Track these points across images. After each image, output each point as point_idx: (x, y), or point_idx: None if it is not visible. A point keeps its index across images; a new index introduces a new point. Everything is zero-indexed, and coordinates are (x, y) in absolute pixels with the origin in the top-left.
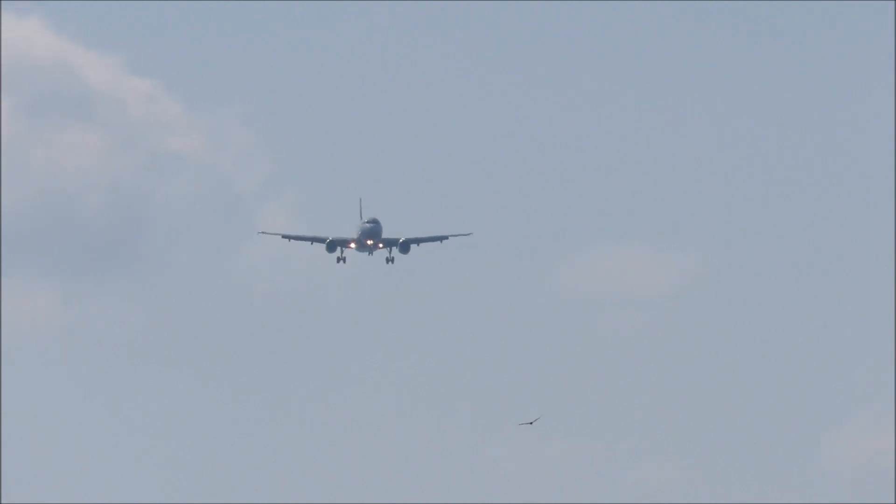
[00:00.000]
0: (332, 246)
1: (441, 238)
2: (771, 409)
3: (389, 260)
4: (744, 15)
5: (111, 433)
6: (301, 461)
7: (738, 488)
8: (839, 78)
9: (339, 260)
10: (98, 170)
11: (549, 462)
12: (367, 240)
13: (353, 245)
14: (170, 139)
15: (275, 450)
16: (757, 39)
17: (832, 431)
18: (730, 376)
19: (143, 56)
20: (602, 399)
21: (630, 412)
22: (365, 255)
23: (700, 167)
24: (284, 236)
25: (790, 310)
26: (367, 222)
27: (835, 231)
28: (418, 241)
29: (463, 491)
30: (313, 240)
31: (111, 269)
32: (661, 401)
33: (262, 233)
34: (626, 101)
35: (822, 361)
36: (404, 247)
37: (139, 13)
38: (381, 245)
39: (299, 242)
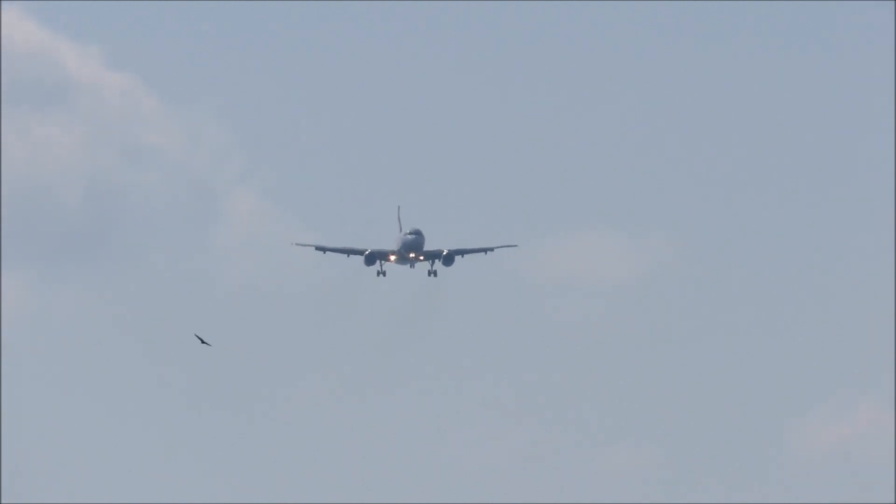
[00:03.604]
0: (371, 258)
1: (486, 249)
2: (738, 399)
3: (432, 273)
4: (742, 14)
5: (108, 435)
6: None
7: (712, 484)
8: (839, 78)
9: (378, 273)
10: (79, 162)
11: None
12: (408, 252)
13: (393, 258)
14: (148, 134)
15: (297, 471)
16: (754, 39)
17: (801, 421)
18: (715, 367)
19: (124, 49)
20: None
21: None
22: (406, 267)
23: (702, 165)
24: (319, 248)
25: (760, 299)
26: (409, 233)
27: (817, 225)
28: (462, 252)
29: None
30: (350, 252)
31: (94, 267)
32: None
33: (297, 244)
34: (630, 100)
35: (793, 350)
36: (448, 259)
37: (120, 6)
38: (422, 258)
39: (336, 255)
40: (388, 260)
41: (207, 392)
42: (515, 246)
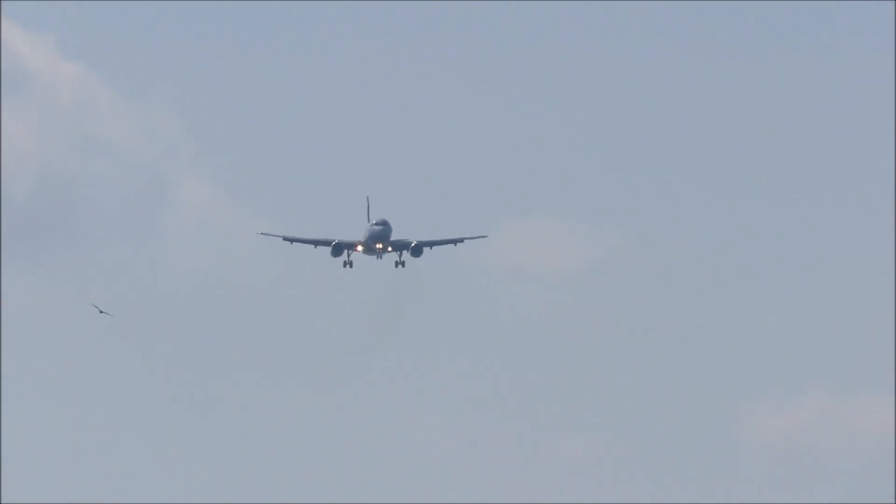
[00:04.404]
0: (337, 249)
1: (456, 241)
2: (689, 390)
3: (400, 264)
4: (742, 14)
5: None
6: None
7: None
8: (839, 78)
9: (345, 264)
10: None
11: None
12: (375, 243)
13: (360, 248)
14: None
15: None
16: (754, 39)
17: (751, 408)
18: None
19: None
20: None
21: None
22: (373, 258)
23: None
24: (286, 238)
25: (715, 287)
26: (376, 224)
27: (810, 224)
28: (431, 244)
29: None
30: (317, 242)
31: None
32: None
33: (263, 234)
34: (610, 95)
35: (748, 339)
36: (416, 250)
37: None
38: (390, 249)
39: (303, 245)
40: (356, 250)
41: (171, 385)
42: (485, 237)
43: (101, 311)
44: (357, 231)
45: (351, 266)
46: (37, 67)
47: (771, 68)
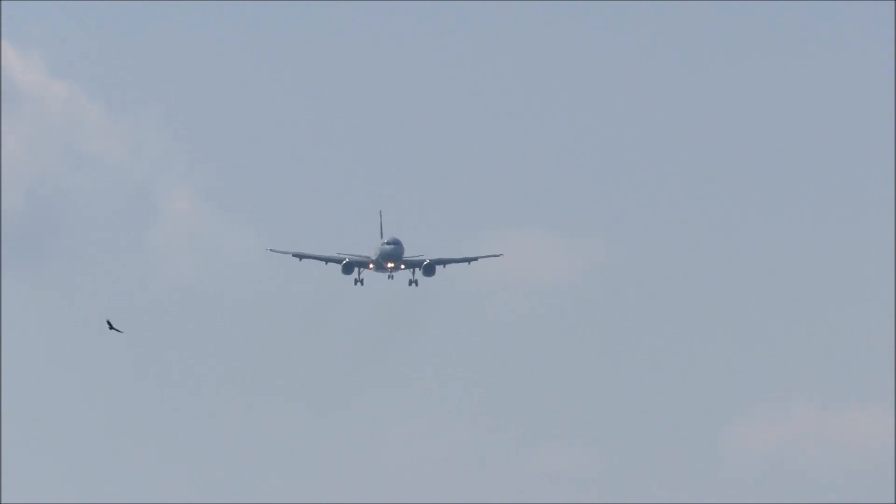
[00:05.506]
0: (348, 267)
1: (469, 259)
2: (675, 402)
3: (412, 282)
4: (743, 14)
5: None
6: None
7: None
8: (839, 78)
9: (356, 282)
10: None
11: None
12: (386, 262)
13: (371, 266)
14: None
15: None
16: (753, 39)
17: (735, 421)
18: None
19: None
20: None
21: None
22: (385, 276)
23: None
24: (295, 255)
25: (698, 298)
26: (388, 243)
27: (809, 226)
28: (444, 262)
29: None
30: (328, 260)
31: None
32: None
33: (272, 251)
34: (617, 103)
35: (731, 351)
36: (429, 269)
37: (62, 12)
38: (402, 267)
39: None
40: (368, 268)
41: (175, 401)
42: (500, 255)
43: (111, 328)
44: (369, 247)
45: (362, 284)
46: (26, 84)
47: (770, 68)
